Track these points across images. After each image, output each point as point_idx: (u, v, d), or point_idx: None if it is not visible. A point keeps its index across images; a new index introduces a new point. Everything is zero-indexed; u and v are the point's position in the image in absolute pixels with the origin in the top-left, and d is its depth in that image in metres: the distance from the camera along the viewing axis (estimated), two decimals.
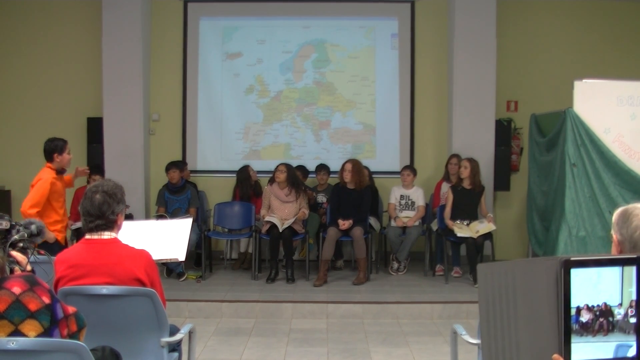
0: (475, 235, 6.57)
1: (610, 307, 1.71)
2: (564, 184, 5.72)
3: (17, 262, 2.30)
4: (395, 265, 7.24)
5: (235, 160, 8.00)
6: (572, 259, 1.68)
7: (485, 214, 6.89)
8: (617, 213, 2.25)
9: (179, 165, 7.34)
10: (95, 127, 7.73)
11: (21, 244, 2.38)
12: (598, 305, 1.71)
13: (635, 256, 1.75)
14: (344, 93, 8.11)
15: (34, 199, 4.95)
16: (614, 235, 2.23)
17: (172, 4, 8.06)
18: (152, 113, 8.03)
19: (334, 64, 8.11)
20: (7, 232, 2.38)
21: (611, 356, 1.72)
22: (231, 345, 5.16)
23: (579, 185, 5.70)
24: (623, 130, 5.74)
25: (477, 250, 6.60)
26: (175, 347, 3.29)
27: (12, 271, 2.26)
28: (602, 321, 1.70)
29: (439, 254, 7.22)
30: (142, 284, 2.93)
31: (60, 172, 5.20)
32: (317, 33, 8.13)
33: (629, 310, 1.73)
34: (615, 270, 1.72)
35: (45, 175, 5.08)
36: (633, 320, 1.73)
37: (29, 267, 2.34)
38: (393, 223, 7.17)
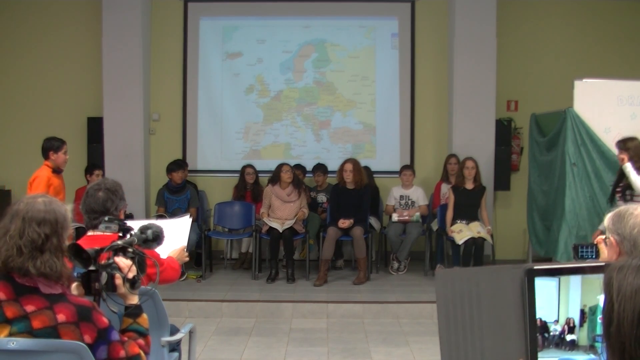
0: (476, 235, 6.57)
1: (546, 322, 1.71)
2: (564, 184, 5.72)
3: (119, 269, 2.18)
4: (396, 264, 7.25)
5: (236, 160, 7.99)
6: (535, 267, 1.68)
7: (486, 219, 6.88)
8: (609, 217, 2.26)
9: (182, 165, 7.35)
10: (95, 127, 7.73)
11: (130, 250, 2.24)
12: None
13: (601, 264, 1.73)
14: (344, 93, 8.10)
15: None
16: (611, 237, 2.22)
17: (172, 4, 8.06)
18: (152, 113, 8.03)
19: (334, 64, 8.11)
20: (120, 237, 2.29)
21: None
22: (231, 344, 5.16)
23: (579, 184, 5.70)
24: (623, 130, 5.71)
25: (477, 250, 6.58)
26: (175, 347, 3.29)
27: (112, 277, 2.16)
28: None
29: (439, 254, 7.22)
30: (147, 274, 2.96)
31: (56, 171, 5.43)
32: (317, 33, 8.13)
33: (565, 327, 1.72)
34: (552, 284, 1.71)
35: (42, 172, 5.34)
36: (571, 337, 1.72)
37: (130, 275, 2.20)
38: (394, 216, 7.16)
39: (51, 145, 5.43)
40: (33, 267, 2.01)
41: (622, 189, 5.16)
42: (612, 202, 5.30)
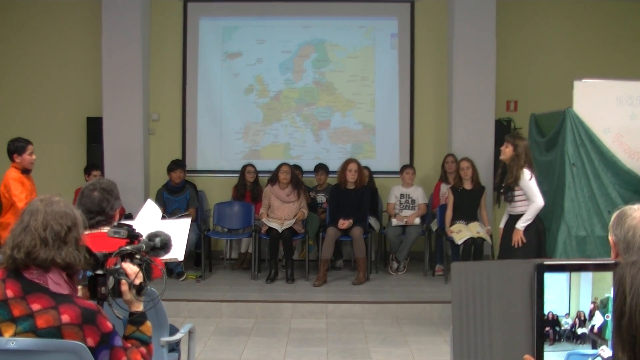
0: (475, 235, 6.57)
1: (557, 316, 1.71)
2: (563, 184, 5.71)
3: (126, 274, 2.20)
4: (395, 265, 7.25)
5: (235, 160, 8.00)
6: (545, 262, 1.69)
7: (485, 219, 6.88)
8: (614, 215, 2.27)
9: (182, 164, 7.35)
10: (95, 127, 7.73)
11: (138, 257, 2.26)
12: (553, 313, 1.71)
13: (609, 262, 1.75)
14: (344, 93, 8.11)
15: (21, 197, 5.12)
16: (610, 237, 2.24)
17: (171, 4, 8.06)
18: (152, 113, 8.03)
19: (334, 64, 8.11)
20: (128, 243, 2.30)
21: None
22: (231, 345, 5.16)
23: (578, 185, 5.69)
24: (623, 130, 5.72)
25: (476, 250, 6.58)
26: (174, 347, 3.29)
27: (118, 283, 2.18)
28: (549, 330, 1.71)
29: (439, 254, 7.22)
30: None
31: (25, 171, 5.32)
32: (316, 33, 8.13)
33: (577, 321, 1.73)
34: (563, 277, 1.71)
35: (12, 174, 5.27)
36: (581, 330, 1.73)
37: (137, 281, 2.21)
38: (394, 221, 7.18)
39: (15, 148, 5.24)
40: (59, 256, 2.06)
41: (504, 190, 5.26)
42: (498, 203, 5.51)
